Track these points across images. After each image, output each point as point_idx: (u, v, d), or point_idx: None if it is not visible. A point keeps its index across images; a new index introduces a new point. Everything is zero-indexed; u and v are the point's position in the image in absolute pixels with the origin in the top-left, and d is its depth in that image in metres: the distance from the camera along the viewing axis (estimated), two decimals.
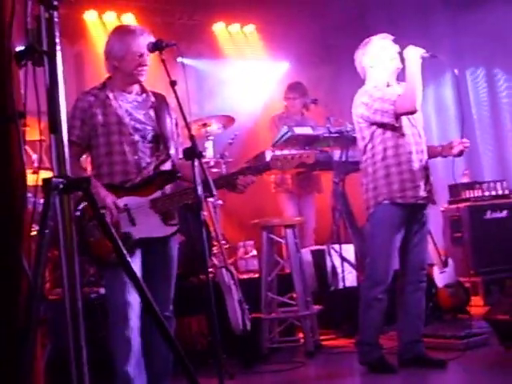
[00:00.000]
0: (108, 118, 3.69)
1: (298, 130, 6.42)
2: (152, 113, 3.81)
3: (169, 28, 8.37)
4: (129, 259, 2.29)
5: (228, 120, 6.64)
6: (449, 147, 4.80)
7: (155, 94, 3.89)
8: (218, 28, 8.95)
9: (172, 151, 3.81)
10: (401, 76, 4.69)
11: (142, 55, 3.70)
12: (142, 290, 2.29)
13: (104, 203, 3.51)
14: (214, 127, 6.52)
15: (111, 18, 8.06)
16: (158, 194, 3.68)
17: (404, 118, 4.59)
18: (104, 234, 2.28)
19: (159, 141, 3.77)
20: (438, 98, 8.66)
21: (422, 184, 4.60)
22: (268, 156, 6.29)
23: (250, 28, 9.08)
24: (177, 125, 3.92)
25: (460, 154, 4.77)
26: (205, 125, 6.48)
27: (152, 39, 3.64)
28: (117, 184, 3.67)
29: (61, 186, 2.11)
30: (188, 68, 8.33)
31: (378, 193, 4.61)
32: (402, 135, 4.59)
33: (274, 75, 9.09)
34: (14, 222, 2.31)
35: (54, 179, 2.12)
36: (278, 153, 3.95)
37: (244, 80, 8.88)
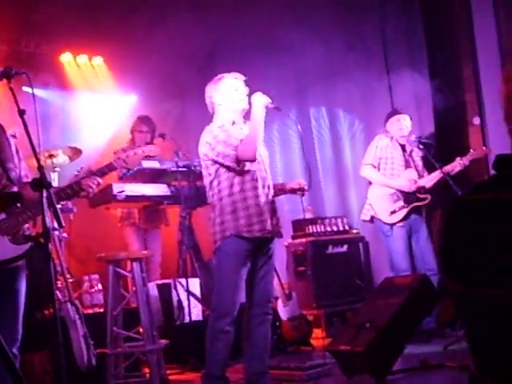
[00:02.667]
0: None
1: (146, 164, 6.43)
2: None
3: (15, 56, 8.14)
4: None
5: (75, 152, 6.54)
6: (290, 184, 5.08)
7: None
8: (66, 59, 8.80)
9: (13, 174, 3.70)
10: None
11: None
12: None
13: None
14: (61, 159, 6.39)
15: None
16: (1, 216, 3.58)
17: None
18: None
19: None
20: (284, 139, 8.89)
21: (268, 218, 4.71)
22: (116, 189, 6.26)
23: (98, 60, 8.99)
24: (17, 151, 3.82)
25: (300, 194, 5.07)
26: (51, 156, 6.34)
27: None
28: None
29: None
30: (35, 98, 8.13)
31: (224, 227, 4.67)
32: (248, 171, 4.69)
33: (122, 108, 9.03)
34: None
35: None
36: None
37: (92, 112, 8.76)
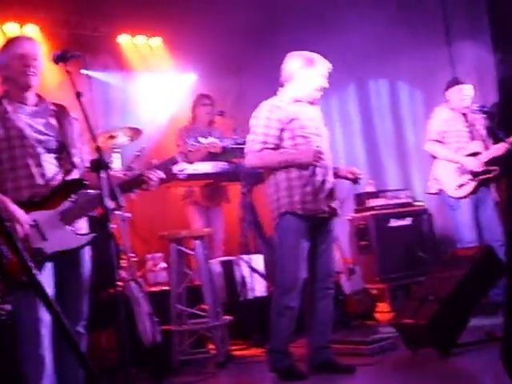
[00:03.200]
0: (8, 132, 3.59)
1: (205, 141, 6.43)
2: (53, 121, 3.74)
3: (73, 39, 8.23)
4: (39, 278, 2.23)
5: (135, 132, 6.58)
6: (343, 171, 5.03)
7: (54, 104, 3.83)
8: (124, 40, 8.87)
9: (76, 159, 3.74)
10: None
11: (23, 56, 3.65)
12: (53, 308, 2.24)
13: (14, 217, 3.42)
14: (121, 139, 6.44)
15: (13, 30, 7.87)
16: (66, 204, 3.61)
17: (309, 133, 4.69)
18: (12, 252, 2.21)
19: (63, 150, 3.71)
20: (342, 111, 8.82)
21: (323, 197, 4.69)
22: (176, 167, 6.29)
23: (156, 40, 9.04)
24: (81, 134, 3.86)
25: (354, 182, 5.05)
26: (112, 137, 6.39)
27: (37, 44, 3.72)
28: (24, 200, 3.56)
29: None
30: (94, 80, 8.24)
31: (280, 204, 4.68)
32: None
33: (181, 87, 9.06)
34: None
35: None
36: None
37: (151, 92, 8.82)
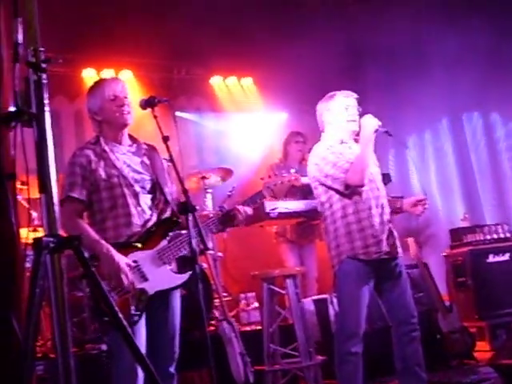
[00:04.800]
0: (108, 172, 3.69)
1: (286, 174, 6.43)
2: (147, 160, 3.84)
3: (167, 83, 8.47)
4: (124, 323, 2.27)
5: (226, 172, 6.68)
6: (410, 205, 4.83)
7: (145, 144, 3.93)
8: (216, 81, 9.05)
9: (168, 197, 3.81)
10: None
11: (115, 97, 3.75)
12: (138, 353, 2.28)
13: (119, 267, 3.48)
14: (213, 180, 6.55)
15: (109, 75, 8.15)
16: (163, 243, 3.68)
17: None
18: (96, 293, 2.27)
19: (156, 189, 3.79)
20: (436, 145, 8.71)
21: (384, 238, 4.55)
22: (268, 207, 6.31)
23: (247, 80, 9.18)
24: (169, 174, 3.93)
25: (420, 213, 4.82)
26: (203, 178, 6.51)
27: (124, 83, 3.82)
28: (123, 241, 3.64)
29: (51, 245, 2.12)
30: (187, 122, 8.43)
31: (340, 251, 4.55)
32: (360, 192, 4.55)
33: (272, 126, 9.14)
34: (4, 283, 2.31)
35: (44, 238, 2.12)
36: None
37: (243, 132, 8.94)
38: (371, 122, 4.53)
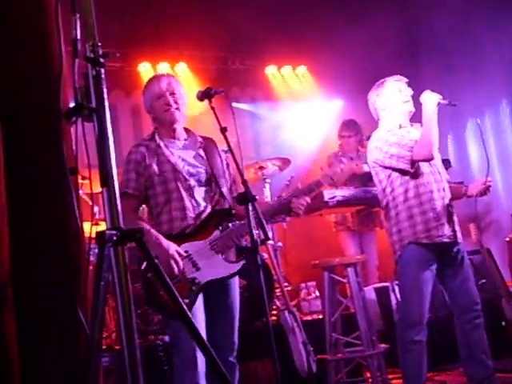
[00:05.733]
0: (163, 167, 3.74)
1: (346, 162, 6.38)
2: (202, 152, 3.87)
3: (222, 74, 8.49)
4: (186, 310, 2.29)
5: (284, 162, 6.66)
6: (473, 187, 4.76)
7: (202, 137, 3.95)
8: (270, 71, 9.04)
9: (224, 189, 3.83)
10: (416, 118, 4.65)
11: (161, 95, 3.80)
12: (202, 340, 2.29)
13: (168, 253, 3.54)
14: (271, 170, 6.54)
15: (165, 69, 8.20)
16: (215, 233, 3.71)
17: None
18: (161, 285, 2.28)
19: (211, 181, 3.81)
20: (458, 145, 8.57)
21: (445, 222, 4.50)
22: (327, 195, 6.28)
23: (302, 69, 9.15)
24: (228, 165, 3.95)
25: (483, 193, 4.72)
26: (261, 168, 6.50)
27: (173, 78, 3.89)
28: (176, 233, 3.69)
29: (114, 238, 2.13)
30: (243, 112, 8.44)
31: (402, 236, 4.51)
32: (421, 175, 4.51)
33: (328, 114, 9.09)
34: (70, 276, 2.34)
35: (107, 231, 2.14)
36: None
37: (299, 121, 8.91)
38: (431, 97, 4.48)
